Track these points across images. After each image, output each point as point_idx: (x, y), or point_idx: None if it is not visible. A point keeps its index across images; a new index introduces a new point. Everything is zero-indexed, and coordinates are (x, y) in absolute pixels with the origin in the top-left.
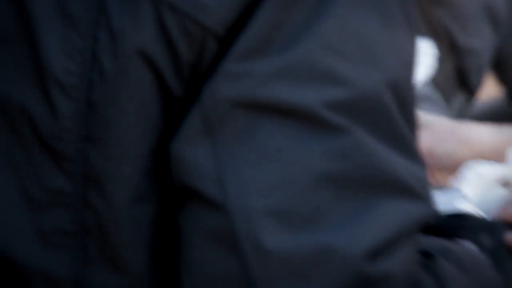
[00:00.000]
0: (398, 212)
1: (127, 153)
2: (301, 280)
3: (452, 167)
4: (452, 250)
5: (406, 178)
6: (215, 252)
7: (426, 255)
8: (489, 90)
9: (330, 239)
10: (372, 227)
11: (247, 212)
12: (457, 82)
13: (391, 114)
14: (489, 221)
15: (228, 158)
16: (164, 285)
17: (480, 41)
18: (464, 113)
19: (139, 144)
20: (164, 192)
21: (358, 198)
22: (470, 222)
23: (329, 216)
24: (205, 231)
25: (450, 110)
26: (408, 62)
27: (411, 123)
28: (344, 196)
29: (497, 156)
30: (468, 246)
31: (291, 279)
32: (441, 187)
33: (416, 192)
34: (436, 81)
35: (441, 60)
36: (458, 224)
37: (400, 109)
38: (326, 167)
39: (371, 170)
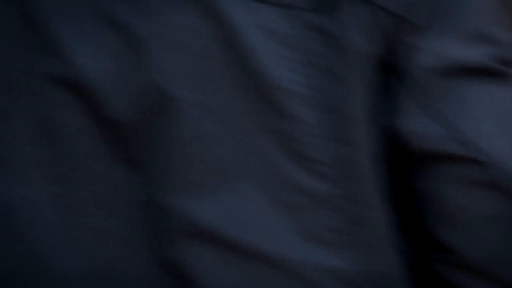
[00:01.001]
0: None
1: (364, 140)
2: None
3: None
4: None
5: None
6: (478, 196)
7: None
8: None
9: None
10: None
11: (497, 158)
12: None
13: None
14: None
15: (454, 119)
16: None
17: None
18: None
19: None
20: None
21: None
22: None
23: None
24: (462, 181)
25: None
26: None
27: None
28: None
29: None
30: None
31: None
32: None
33: None
34: None
35: None
36: None
37: None
38: None
39: None
